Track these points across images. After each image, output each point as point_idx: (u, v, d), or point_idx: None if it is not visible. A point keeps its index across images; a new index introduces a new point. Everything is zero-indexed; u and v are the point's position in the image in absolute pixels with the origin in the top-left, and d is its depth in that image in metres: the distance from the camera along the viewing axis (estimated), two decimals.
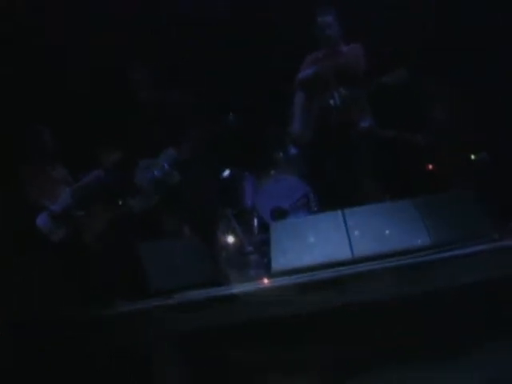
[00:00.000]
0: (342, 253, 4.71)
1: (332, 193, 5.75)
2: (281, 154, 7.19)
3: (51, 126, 6.46)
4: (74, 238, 6.14)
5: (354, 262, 4.62)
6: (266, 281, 4.90)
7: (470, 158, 6.37)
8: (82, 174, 6.36)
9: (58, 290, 5.01)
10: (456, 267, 4.15)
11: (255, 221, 6.79)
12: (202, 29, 7.19)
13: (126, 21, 7.02)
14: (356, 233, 4.72)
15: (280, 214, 6.52)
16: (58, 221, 6.09)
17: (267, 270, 5.16)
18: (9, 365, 4.12)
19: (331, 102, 5.89)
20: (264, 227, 6.57)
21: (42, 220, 6.06)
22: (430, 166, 6.42)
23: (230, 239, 6.44)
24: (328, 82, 5.98)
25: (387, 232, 4.69)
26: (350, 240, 4.72)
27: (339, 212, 4.85)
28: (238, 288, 4.81)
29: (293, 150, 6.96)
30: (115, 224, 6.28)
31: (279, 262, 4.90)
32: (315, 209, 6.36)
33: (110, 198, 6.57)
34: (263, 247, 6.10)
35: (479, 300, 3.97)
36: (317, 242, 4.79)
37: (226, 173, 6.99)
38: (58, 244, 6.04)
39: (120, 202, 6.50)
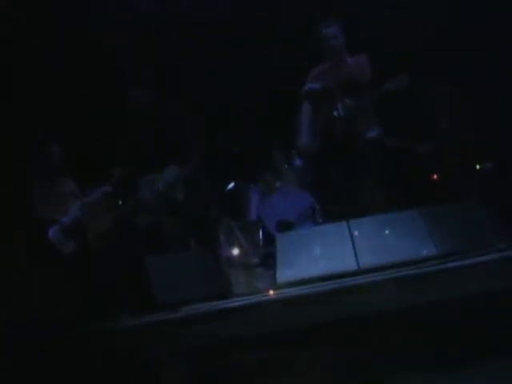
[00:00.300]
0: (348, 264, 4.71)
1: (337, 203, 5.74)
2: (286, 166, 7.20)
3: (60, 140, 6.53)
4: (82, 251, 6.21)
5: (360, 273, 4.61)
6: (271, 292, 4.89)
7: (475, 167, 6.36)
8: (90, 188, 6.45)
9: (65, 301, 5.04)
10: (462, 277, 4.15)
11: (260, 233, 6.79)
12: (202, 45, 7.19)
13: (127, 25, 7.05)
14: (361, 244, 4.72)
15: (285, 226, 6.52)
16: (68, 233, 6.21)
17: (273, 281, 5.16)
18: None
19: (335, 113, 5.90)
20: (269, 239, 6.56)
21: (53, 233, 6.17)
22: (435, 176, 6.41)
23: (236, 251, 6.44)
24: (333, 94, 5.99)
25: (393, 243, 4.69)
26: (355, 251, 4.71)
27: (344, 223, 4.85)
28: (243, 300, 4.80)
29: (298, 162, 6.96)
30: (121, 238, 6.31)
31: (285, 273, 4.91)
32: (320, 220, 6.36)
33: (116, 212, 6.61)
34: (269, 259, 6.09)
35: (485, 311, 3.95)
36: (322, 254, 4.79)
37: (231, 185, 7.00)
38: (68, 256, 6.13)
39: (126, 216, 6.52)
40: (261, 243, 6.74)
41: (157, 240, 6.26)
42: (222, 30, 7.22)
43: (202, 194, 6.54)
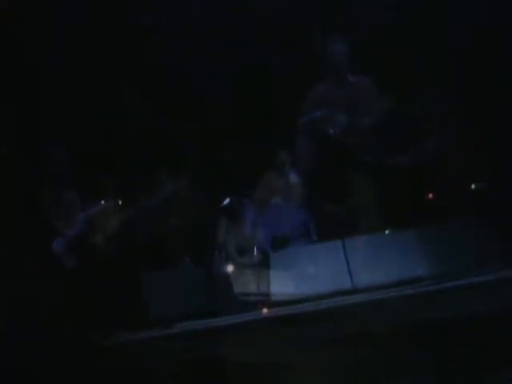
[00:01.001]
0: (343, 283, 4.70)
1: (333, 222, 5.73)
2: (282, 182, 7.18)
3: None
4: (84, 265, 6.21)
5: (355, 292, 4.61)
6: (265, 310, 4.87)
7: (470, 186, 6.36)
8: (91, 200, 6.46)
9: (62, 313, 5.04)
10: (457, 298, 4.15)
11: (255, 249, 6.77)
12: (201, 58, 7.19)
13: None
14: (356, 263, 4.72)
15: (280, 243, 6.50)
16: (72, 246, 6.19)
17: (267, 299, 5.14)
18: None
19: (331, 131, 5.91)
20: (264, 255, 6.55)
21: (57, 245, 6.15)
22: (431, 195, 6.41)
23: (230, 268, 6.42)
24: (333, 112, 6.01)
25: (387, 262, 4.68)
26: (350, 270, 4.70)
27: (339, 242, 4.85)
28: (237, 318, 4.78)
29: (294, 178, 6.95)
30: (118, 252, 6.30)
31: (279, 291, 4.88)
32: (315, 238, 6.35)
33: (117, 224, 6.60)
34: (263, 276, 6.07)
35: (481, 331, 3.95)
36: (317, 272, 4.78)
37: (227, 201, 6.98)
38: (69, 269, 6.12)
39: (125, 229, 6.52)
40: (255, 260, 6.72)
41: (152, 255, 6.25)
42: (221, 30, 7.17)
43: (197, 209, 6.53)
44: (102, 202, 6.43)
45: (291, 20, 6.89)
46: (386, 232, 5.24)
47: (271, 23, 6.89)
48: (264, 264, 5.71)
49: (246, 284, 6.22)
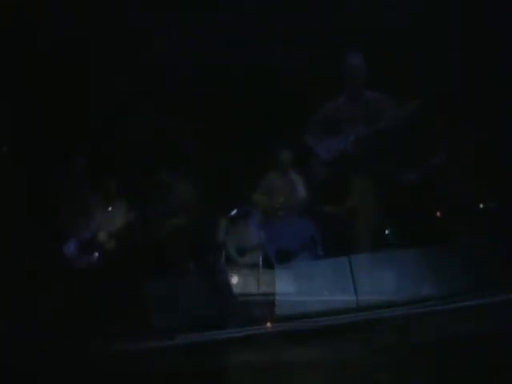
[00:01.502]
0: (348, 300, 4.69)
1: (341, 238, 5.71)
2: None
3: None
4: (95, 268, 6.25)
5: (359, 309, 4.59)
6: (269, 325, 4.86)
7: (478, 205, 6.33)
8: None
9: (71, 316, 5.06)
10: (462, 318, 4.14)
11: (260, 260, 6.75)
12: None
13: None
14: (362, 280, 4.71)
15: (285, 255, 6.48)
16: (83, 249, 6.22)
17: (271, 313, 5.12)
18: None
19: (342, 145, 5.92)
20: (269, 266, 6.53)
21: (69, 247, 6.17)
22: (438, 213, 6.38)
23: (235, 279, 6.40)
24: (348, 126, 6.01)
25: (393, 281, 4.67)
26: (355, 287, 4.69)
27: (346, 258, 4.83)
28: (241, 331, 4.77)
29: (302, 192, 6.93)
30: (123, 260, 6.31)
31: (284, 305, 4.88)
32: (321, 252, 6.33)
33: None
34: (268, 289, 6.05)
35: (484, 351, 3.93)
36: (322, 288, 4.77)
37: (234, 211, 6.97)
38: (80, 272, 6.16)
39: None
40: (261, 271, 6.70)
41: (157, 263, 6.25)
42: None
43: (203, 217, 6.53)
44: (112, 205, 6.46)
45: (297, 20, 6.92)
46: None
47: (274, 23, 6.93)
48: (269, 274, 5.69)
49: (251, 296, 6.21)
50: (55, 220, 6.33)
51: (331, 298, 4.72)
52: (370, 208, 5.73)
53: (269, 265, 6.41)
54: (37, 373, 4.12)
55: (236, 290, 5.81)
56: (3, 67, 6.50)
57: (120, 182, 6.62)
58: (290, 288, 4.88)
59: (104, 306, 5.51)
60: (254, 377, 4.09)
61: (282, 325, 4.67)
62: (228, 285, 6.02)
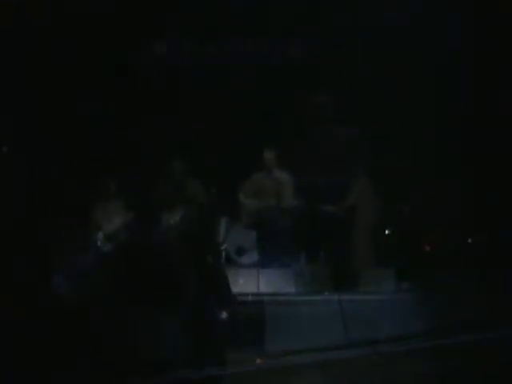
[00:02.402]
0: (336, 337, 4.70)
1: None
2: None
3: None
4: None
5: (348, 346, 4.61)
6: (258, 361, 4.85)
7: (466, 240, 6.39)
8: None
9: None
10: (448, 354, 4.16)
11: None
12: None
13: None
14: (351, 318, 4.73)
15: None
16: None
17: (261, 349, 5.11)
18: None
19: None
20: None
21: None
22: (428, 247, 6.42)
23: (224, 315, 6.37)
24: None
25: (381, 319, 4.70)
26: (344, 325, 4.72)
27: (336, 296, 4.87)
28: (230, 368, 4.75)
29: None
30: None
31: (273, 341, 4.88)
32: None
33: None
34: (257, 326, 6.02)
35: None
36: (312, 325, 4.78)
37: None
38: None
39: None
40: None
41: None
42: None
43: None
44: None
45: None
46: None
47: None
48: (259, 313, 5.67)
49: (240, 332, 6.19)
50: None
51: (320, 334, 4.74)
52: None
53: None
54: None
55: (224, 326, 5.81)
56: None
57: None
58: (278, 324, 4.89)
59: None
60: None
61: (272, 361, 4.67)
62: (216, 320, 6.01)
